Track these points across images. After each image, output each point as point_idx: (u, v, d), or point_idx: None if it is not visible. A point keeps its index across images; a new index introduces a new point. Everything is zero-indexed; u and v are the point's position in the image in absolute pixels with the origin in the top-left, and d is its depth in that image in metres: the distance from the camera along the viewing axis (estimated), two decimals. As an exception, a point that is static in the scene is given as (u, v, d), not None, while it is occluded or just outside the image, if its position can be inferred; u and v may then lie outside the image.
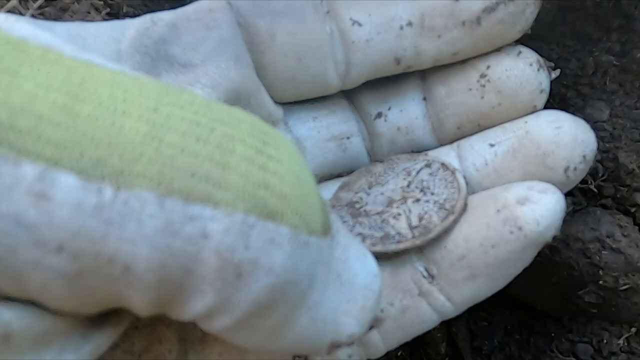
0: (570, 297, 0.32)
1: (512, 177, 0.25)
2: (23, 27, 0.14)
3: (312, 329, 0.16)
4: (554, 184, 0.24)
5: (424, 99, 0.28)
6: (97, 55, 0.15)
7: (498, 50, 0.26)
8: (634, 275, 0.30)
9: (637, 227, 0.31)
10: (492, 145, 0.26)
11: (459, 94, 0.27)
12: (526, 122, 0.26)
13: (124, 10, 0.29)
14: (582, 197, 0.32)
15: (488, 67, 0.26)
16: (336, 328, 0.17)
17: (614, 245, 0.30)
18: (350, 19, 0.25)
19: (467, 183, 0.26)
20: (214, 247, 0.13)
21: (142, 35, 0.23)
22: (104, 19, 0.29)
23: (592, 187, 0.31)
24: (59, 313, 0.15)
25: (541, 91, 0.26)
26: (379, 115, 0.28)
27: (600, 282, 0.30)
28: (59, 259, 0.13)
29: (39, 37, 0.14)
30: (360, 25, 0.25)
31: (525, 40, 0.33)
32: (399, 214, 0.25)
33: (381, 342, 0.24)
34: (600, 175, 0.31)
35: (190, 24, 0.23)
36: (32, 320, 0.14)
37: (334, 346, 0.17)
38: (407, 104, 0.28)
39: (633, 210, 0.31)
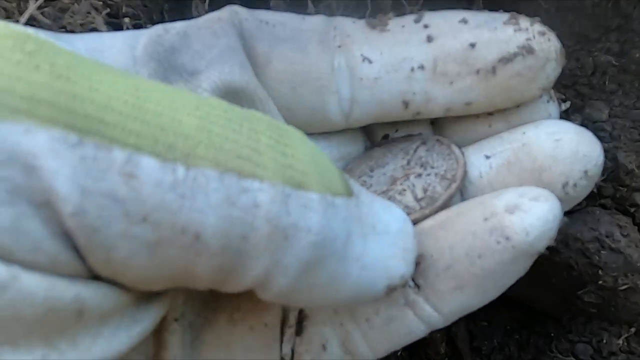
0: (570, 297, 0.32)
1: None
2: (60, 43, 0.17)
3: (364, 278, 0.19)
4: None
5: (432, 123, 0.28)
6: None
7: None
8: (633, 275, 0.30)
9: (636, 227, 0.31)
10: (487, 157, 0.25)
11: (466, 120, 0.26)
12: (524, 133, 0.25)
13: (124, 11, 0.29)
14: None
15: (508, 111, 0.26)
16: (387, 272, 0.19)
17: (613, 245, 0.30)
18: (362, 55, 0.25)
19: (463, 153, 0.26)
20: (264, 215, 0.16)
21: (155, 42, 0.23)
22: (104, 19, 0.29)
23: (591, 187, 0.31)
24: (129, 289, 0.17)
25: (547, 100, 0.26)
26: (386, 137, 0.28)
27: (600, 282, 0.30)
28: (142, 228, 0.15)
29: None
30: (370, 62, 0.25)
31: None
32: (404, 190, 0.25)
33: (368, 351, 0.24)
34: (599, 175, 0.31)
35: (199, 32, 0.24)
36: (102, 298, 0.16)
37: (391, 289, 0.20)
38: (413, 126, 0.28)
39: (632, 210, 0.31)
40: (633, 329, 0.31)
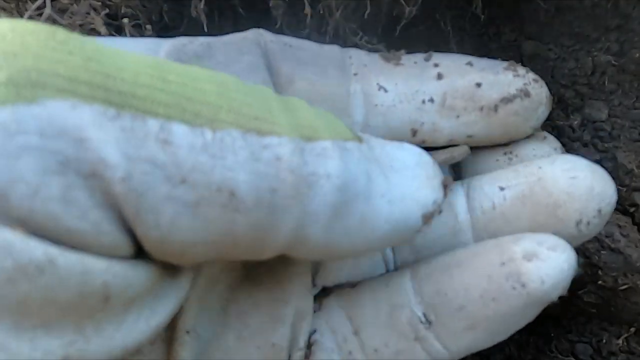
0: (570, 297, 0.32)
1: (519, 224, 0.25)
2: None
3: (396, 214, 0.20)
4: (564, 237, 0.23)
5: None
6: None
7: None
8: (633, 275, 0.30)
9: (636, 227, 0.30)
10: (502, 189, 0.25)
11: (487, 161, 0.28)
12: (540, 167, 0.25)
13: (122, 11, 0.29)
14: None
15: (513, 144, 0.27)
16: (418, 203, 0.21)
17: (613, 245, 0.30)
18: (377, 84, 0.26)
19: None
20: (287, 167, 0.17)
21: (179, 50, 0.24)
22: (103, 20, 0.29)
23: (590, 187, 0.31)
24: (155, 274, 0.18)
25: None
26: None
27: (600, 282, 0.30)
28: (183, 190, 0.16)
29: None
30: (386, 91, 0.26)
31: (523, 40, 0.33)
32: None
33: None
34: (599, 175, 0.31)
35: (224, 46, 0.25)
36: (126, 284, 0.17)
37: (427, 218, 0.21)
38: None
39: (632, 210, 0.31)
40: (633, 329, 0.31)
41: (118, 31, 0.31)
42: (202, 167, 0.16)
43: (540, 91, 0.26)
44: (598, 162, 0.31)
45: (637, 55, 0.31)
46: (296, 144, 0.18)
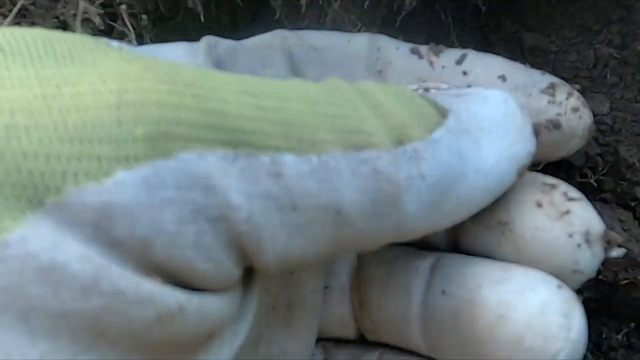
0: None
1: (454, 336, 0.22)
2: None
3: (493, 181, 0.20)
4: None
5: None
6: None
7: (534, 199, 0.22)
8: (633, 270, 0.30)
9: (637, 222, 0.30)
10: (443, 292, 0.22)
11: (480, 232, 0.23)
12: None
13: (117, 0, 0.29)
14: (582, 190, 0.31)
15: (510, 212, 0.22)
16: (513, 159, 0.20)
17: (613, 240, 0.30)
18: (399, 82, 0.25)
19: None
20: (385, 178, 0.18)
21: (207, 54, 0.24)
22: (97, 9, 0.29)
23: (592, 181, 0.31)
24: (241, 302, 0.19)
25: (574, 271, 0.22)
26: None
27: (600, 277, 0.30)
28: (294, 215, 0.17)
29: None
30: None
31: (524, 32, 0.33)
32: None
33: None
34: (600, 169, 0.31)
35: (247, 55, 0.25)
36: (228, 317, 0.18)
37: (522, 170, 0.21)
38: None
39: (633, 204, 0.31)
40: (633, 324, 0.31)
41: (113, 21, 0.30)
42: (310, 192, 0.17)
43: (576, 123, 0.24)
44: (599, 155, 0.31)
45: (640, 47, 0.30)
46: (392, 153, 0.18)
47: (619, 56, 0.31)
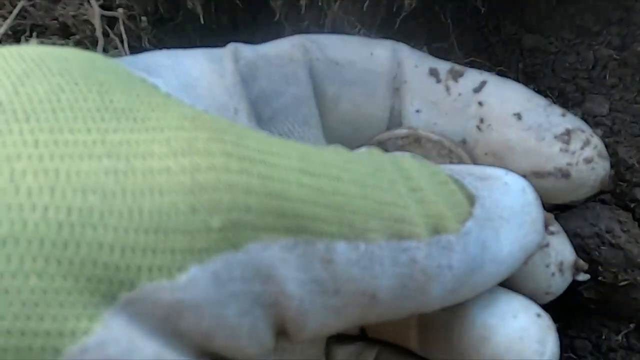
0: (569, 293, 0.31)
1: None
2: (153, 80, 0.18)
3: (504, 271, 0.20)
4: None
5: None
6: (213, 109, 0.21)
7: None
8: (633, 271, 0.30)
9: (636, 223, 0.30)
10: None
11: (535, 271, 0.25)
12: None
13: (117, 2, 0.29)
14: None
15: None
16: (524, 250, 0.21)
17: (613, 241, 0.30)
18: (413, 107, 0.25)
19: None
20: (420, 268, 0.18)
21: (237, 61, 0.23)
22: (97, 11, 0.29)
23: (591, 182, 0.31)
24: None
25: (546, 293, 0.24)
26: None
27: (599, 278, 0.30)
28: (335, 299, 0.17)
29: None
30: (419, 115, 0.25)
31: (524, 33, 0.33)
32: None
33: None
34: (599, 170, 0.31)
35: (269, 69, 0.24)
36: None
37: (527, 259, 0.21)
38: None
39: (633, 205, 0.31)
40: (632, 325, 0.31)
41: (112, 23, 0.30)
42: (353, 278, 0.17)
43: (587, 174, 0.23)
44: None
45: (639, 48, 0.30)
46: (428, 244, 0.18)
47: (618, 57, 0.31)
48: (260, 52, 0.24)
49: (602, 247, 0.30)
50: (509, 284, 0.23)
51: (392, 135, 0.26)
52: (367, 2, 0.29)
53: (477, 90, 0.24)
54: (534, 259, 0.24)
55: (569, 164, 0.23)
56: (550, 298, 0.25)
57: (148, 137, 0.15)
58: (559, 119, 0.23)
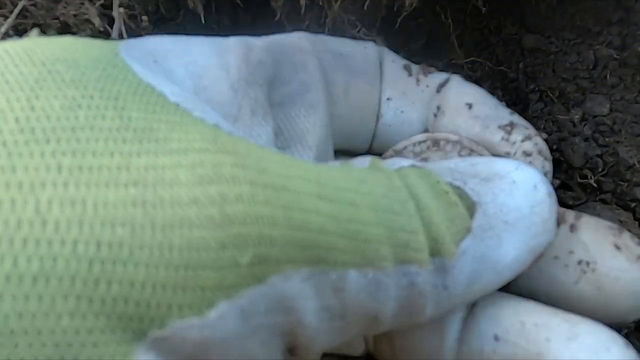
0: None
1: None
2: (159, 84, 0.17)
3: (507, 277, 0.20)
4: None
5: None
6: (218, 110, 0.20)
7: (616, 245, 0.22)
8: (633, 271, 0.29)
9: (637, 223, 0.30)
10: (496, 339, 0.21)
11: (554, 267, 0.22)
12: (548, 340, 0.20)
13: (119, 2, 0.29)
14: (581, 192, 0.31)
15: (591, 252, 0.22)
16: (532, 251, 0.20)
17: (613, 241, 0.29)
18: (387, 97, 0.26)
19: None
20: (418, 292, 0.18)
21: (245, 60, 0.23)
22: (97, 11, 0.29)
23: (591, 182, 0.31)
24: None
25: None
26: None
27: (600, 277, 0.30)
28: (341, 322, 0.17)
29: (177, 100, 0.17)
30: (389, 101, 0.26)
31: (524, 33, 0.33)
32: None
33: None
34: (600, 170, 0.31)
35: (281, 56, 0.24)
36: None
37: (538, 259, 0.21)
38: None
39: (633, 205, 0.31)
40: (633, 325, 0.31)
41: (113, 23, 0.30)
42: (360, 304, 0.17)
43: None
44: (599, 156, 0.31)
45: (639, 48, 0.30)
46: (429, 271, 0.18)
47: (618, 57, 0.31)
48: (270, 39, 0.25)
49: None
50: (604, 300, 0.21)
51: (409, 142, 0.26)
52: (367, 2, 0.29)
53: (442, 85, 0.26)
54: (633, 271, 0.21)
55: (507, 153, 0.24)
56: None
57: (173, 162, 0.15)
58: (506, 115, 0.25)
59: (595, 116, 0.31)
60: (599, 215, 0.30)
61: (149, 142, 0.15)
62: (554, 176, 0.31)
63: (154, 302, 0.13)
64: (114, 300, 0.13)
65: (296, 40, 0.25)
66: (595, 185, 0.31)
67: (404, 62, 0.27)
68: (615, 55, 0.31)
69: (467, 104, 0.25)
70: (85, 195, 0.13)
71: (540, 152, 0.24)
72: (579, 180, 0.31)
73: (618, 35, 0.31)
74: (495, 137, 0.24)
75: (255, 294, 0.15)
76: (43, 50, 0.16)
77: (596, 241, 0.22)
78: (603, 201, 0.31)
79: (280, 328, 0.16)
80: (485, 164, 0.21)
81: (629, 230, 0.30)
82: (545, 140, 0.28)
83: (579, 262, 0.22)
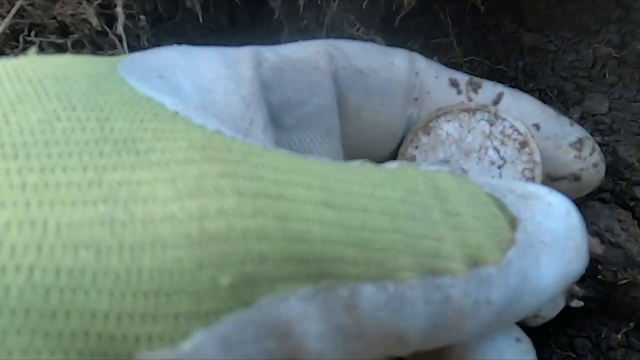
0: (568, 292, 0.31)
1: None
2: (158, 96, 0.16)
3: (543, 301, 0.19)
4: None
5: None
6: (229, 124, 0.19)
7: None
8: (632, 270, 0.29)
9: (636, 222, 0.30)
10: (518, 340, 0.23)
11: None
12: None
13: (115, 1, 0.29)
14: (580, 191, 0.31)
15: None
16: (565, 278, 0.19)
17: (613, 240, 0.29)
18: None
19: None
20: (455, 307, 0.16)
21: (255, 76, 0.22)
22: (95, 10, 0.29)
23: (590, 180, 0.31)
24: None
25: (536, 317, 0.25)
26: None
27: (599, 276, 0.30)
28: (358, 344, 0.15)
29: (188, 115, 0.16)
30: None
31: (523, 32, 0.33)
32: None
33: None
34: (599, 168, 0.31)
35: (294, 74, 0.23)
36: None
37: (568, 291, 0.21)
38: None
39: (632, 204, 0.31)
40: (632, 324, 0.31)
41: (110, 22, 0.30)
42: (380, 322, 0.15)
43: (595, 177, 0.26)
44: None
45: (639, 47, 0.30)
46: (467, 281, 0.16)
47: (618, 56, 0.31)
48: (283, 54, 0.23)
49: (601, 246, 0.30)
50: None
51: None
52: (366, 1, 0.29)
53: (496, 102, 0.26)
54: None
55: (581, 169, 0.25)
56: (540, 322, 0.25)
57: (151, 176, 0.13)
58: (570, 129, 0.26)
59: (594, 115, 0.31)
60: (598, 214, 0.30)
61: (129, 154, 0.14)
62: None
63: (119, 335, 0.12)
64: (72, 334, 0.12)
65: (313, 56, 0.24)
66: (594, 184, 0.31)
67: (449, 73, 0.26)
68: (614, 54, 0.31)
69: (534, 124, 0.25)
70: (47, 215, 0.12)
71: (602, 160, 0.26)
72: (578, 179, 0.31)
73: (617, 33, 0.31)
74: (569, 156, 0.25)
75: (240, 319, 0.13)
76: (34, 68, 0.15)
77: None
78: (602, 200, 0.31)
79: (277, 354, 0.14)
80: (519, 185, 0.21)
81: (628, 230, 0.30)
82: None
83: None
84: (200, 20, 0.30)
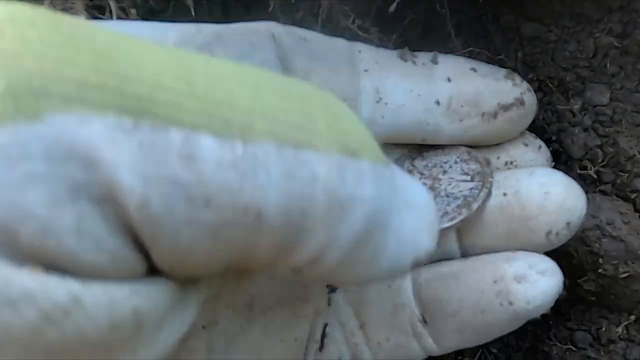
0: (569, 285, 0.31)
1: (496, 231, 0.27)
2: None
3: (398, 252, 0.19)
4: (535, 245, 0.26)
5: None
6: None
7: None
8: (633, 263, 0.29)
9: (637, 214, 0.30)
10: None
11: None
12: (518, 179, 0.27)
13: (105, -5, 0.28)
14: (581, 183, 0.31)
15: (513, 153, 0.30)
16: (415, 246, 0.19)
17: (614, 233, 0.29)
18: (391, 82, 0.27)
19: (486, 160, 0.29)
20: (322, 187, 0.15)
21: (188, 40, 0.23)
22: (84, 5, 0.28)
23: (591, 172, 0.31)
24: (175, 286, 0.16)
25: None
26: None
27: (600, 270, 0.30)
28: (206, 213, 0.14)
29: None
30: (397, 89, 0.27)
31: (523, 21, 0.32)
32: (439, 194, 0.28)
33: None
34: (600, 160, 0.31)
35: (235, 38, 0.24)
36: (155, 302, 0.15)
37: (415, 263, 0.20)
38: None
39: (633, 196, 0.30)
40: (633, 317, 0.31)
41: (100, 16, 0.29)
42: (229, 186, 0.14)
43: (532, 100, 0.29)
44: (599, 146, 0.31)
45: (641, 36, 0.30)
46: (337, 160, 0.15)
47: (619, 45, 0.30)
48: (223, 25, 0.24)
49: (602, 239, 0.29)
50: None
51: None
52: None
53: (434, 61, 0.29)
54: None
55: (521, 93, 0.28)
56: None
57: None
58: (498, 68, 0.29)
59: (595, 106, 0.31)
60: (599, 207, 0.30)
61: None
62: (554, 167, 0.30)
63: None
64: None
65: (252, 25, 0.25)
66: (595, 176, 0.31)
67: (392, 51, 0.28)
68: (615, 44, 0.30)
69: (471, 68, 0.28)
70: None
71: (530, 87, 0.29)
72: (578, 171, 0.31)
73: (619, 22, 0.30)
74: (508, 85, 0.28)
75: (23, 132, 0.12)
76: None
77: None
78: (603, 192, 0.31)
79: (89, 188, 0.13)
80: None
81: (629, 222, 0.29)
82: (544, 132, 0.30)
83: None
84: (193, 13, 0.29)
